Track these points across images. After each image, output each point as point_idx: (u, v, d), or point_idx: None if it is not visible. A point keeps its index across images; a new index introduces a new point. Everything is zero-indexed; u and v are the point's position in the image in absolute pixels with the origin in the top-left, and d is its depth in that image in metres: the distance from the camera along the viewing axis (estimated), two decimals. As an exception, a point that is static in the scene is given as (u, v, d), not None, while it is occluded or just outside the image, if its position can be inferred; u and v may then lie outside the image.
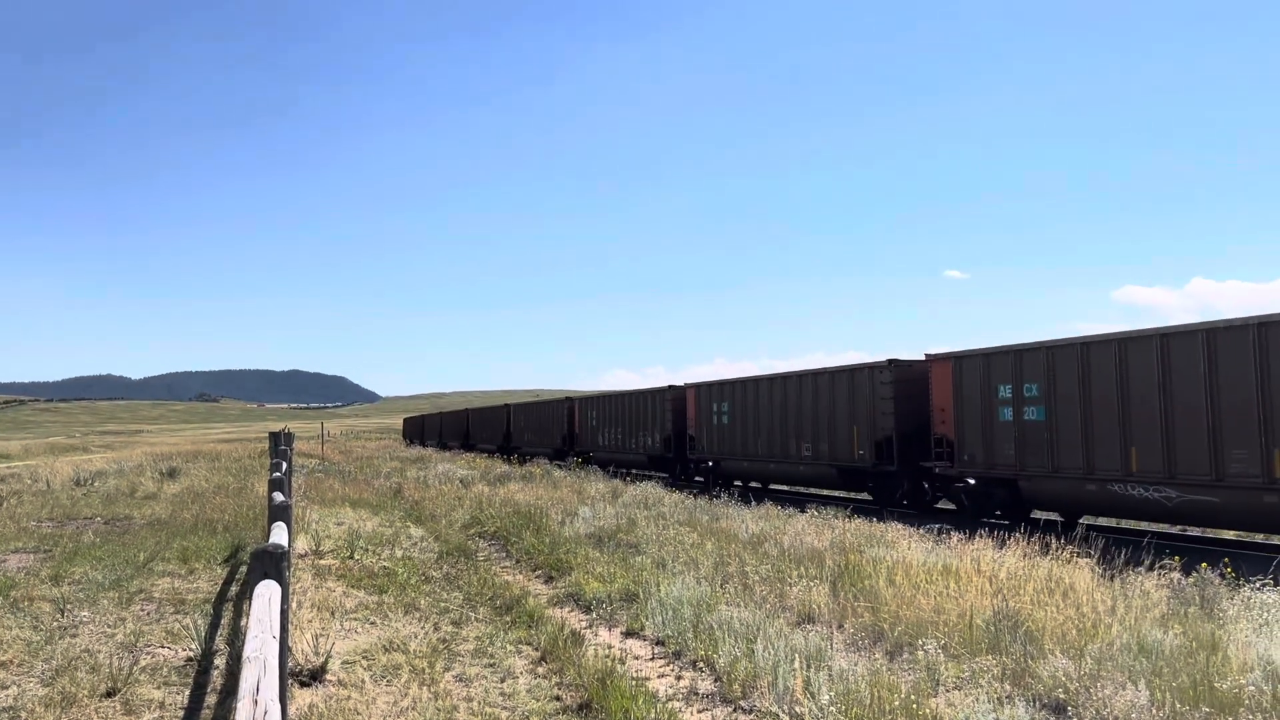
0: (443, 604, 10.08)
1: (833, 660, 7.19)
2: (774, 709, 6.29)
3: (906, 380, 19.82)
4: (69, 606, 9.41)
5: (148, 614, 9.32)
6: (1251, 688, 5.97)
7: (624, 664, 7.60)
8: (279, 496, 8.34)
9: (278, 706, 2.79)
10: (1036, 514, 17.46)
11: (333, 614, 9.23)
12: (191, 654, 7.77)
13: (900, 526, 14.02)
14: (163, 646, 8.08)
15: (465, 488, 23.99)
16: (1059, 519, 16.67)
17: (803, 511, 16.23)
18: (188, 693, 6.85)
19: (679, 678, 7.42)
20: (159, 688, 6.93)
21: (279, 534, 5.95)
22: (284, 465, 12.41)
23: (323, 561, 12.39)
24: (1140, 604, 8.44)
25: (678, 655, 7.98)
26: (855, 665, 7.13)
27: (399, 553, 13.42)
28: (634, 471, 31.77)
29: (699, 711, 6.63)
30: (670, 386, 30.98)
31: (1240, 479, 13.06)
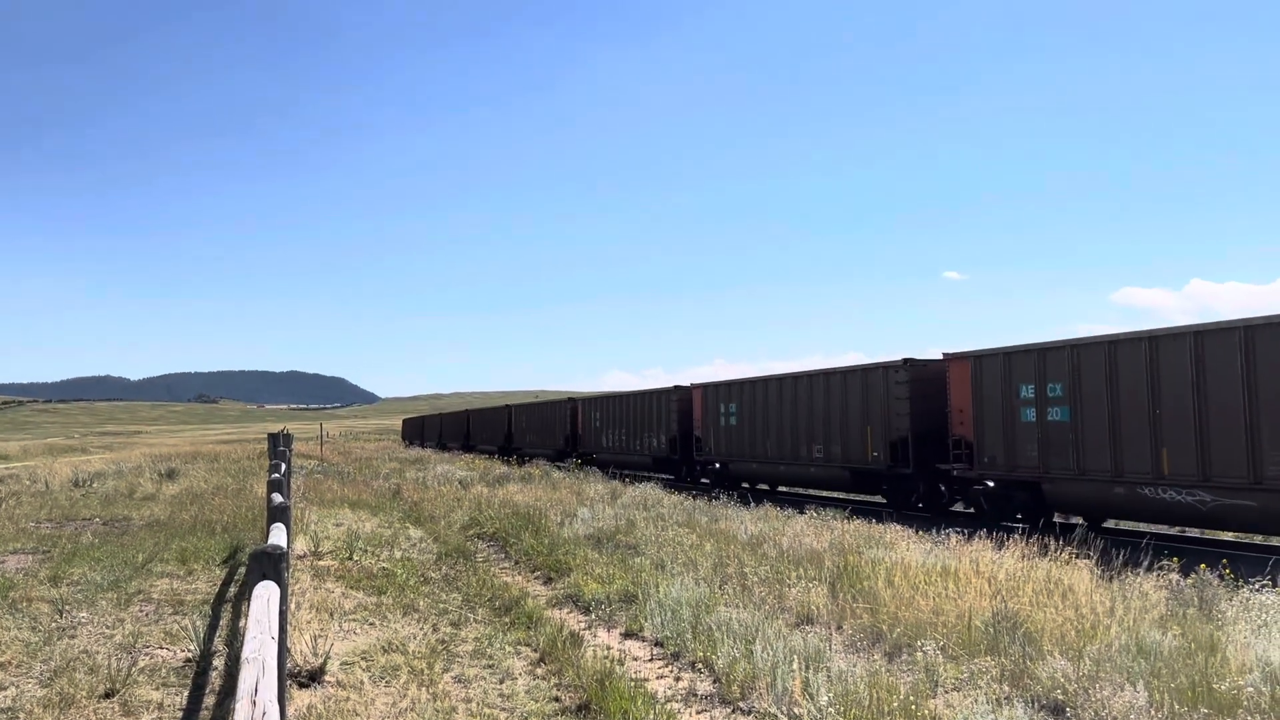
0: (441, 605, 10.08)
1: (831, 661, 7.20)
2: (773, 710, 6.29)
3: (922, 380, 19.38)
4: (67, 607, 9.40)
5: (146, 615, 9.31)
6: (1250, 689, 5.97)
7: (623, 665, 7.60)
8: (278, 497, 8.34)
9: (276, 707, 2.79)
10: (1059, 518, 16.96)
11: (331, 615, 9.23)
12: (190, 655, 7.76)
13: (899, 528, 14.03)
14: (161, 647, 8.07)
15: (464, 489, 23.98)
16: (1082, 522, 16.16)
17: (801, 513, 16.23)
18: (186, 694, 6.85)
19: (678, 679, 7.43)
20: (157, 689, 6.92)
21: (278, 535, 5.94)
22: (283, 466, 12.40)
23: (321, 562, 12.38)
24: (1139, 605, 8.44)
25: (676, 656, 7.98)
26: (854, 666, 7.14)
27: (398, 554, 13.41)
28: (639, 474, 31.18)
29: (698, 712, 6.63)
30: (676, 387, 30.44)
31: None
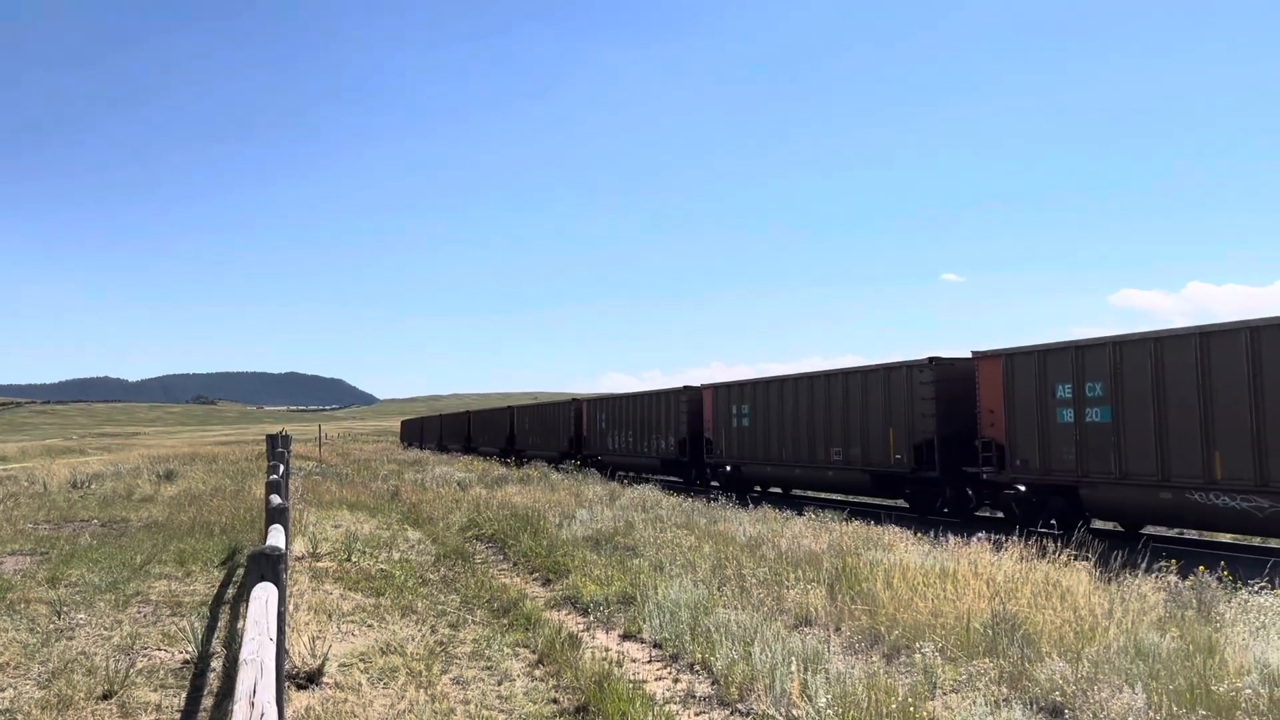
0: (440, 606, 10.08)
1: (830, 663, 7.20)
2: (771, 712, 6.29)
3: (948, 380, 18.71)
4: (65, 609, 9.39)
5: (144, 616, 9.30)
6: (1248, 691, 5.98)
7: (621, 666, 7.60)
8: (276, 499, 8.33)
9: (274, 709, 2.79)
10: (1097, 524, 16.43)
11: (330, 616, 9.22)
12: (188, 656, 7.75)
13: (897, 529, 14.01)
14: (159, 649, 8.06)
15: (463, 490, 23.97)
16: (1119, 529, 15.80)
17: (800, 515, 16.23)
18: (184, 695, 6.84)
19: (676, 680, 7.43)
20: (155, 690, 6.92)
21: (276, 536, 5.94)
22: (281, 468, 12.39)
23: (320, 564, 12.37)
24: (1137, 607, 8.45)
25: (675, 658, 7.98)
26: (852, 668, 7.14)
27: (396, 555, 13.41)
28: (647, 476, 30.34)
29: (696, 714, 6.63)
30: (686, 387, 29.74)
31: None
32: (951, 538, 12.50)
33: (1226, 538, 15.88)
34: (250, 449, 52.56)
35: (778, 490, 26.13)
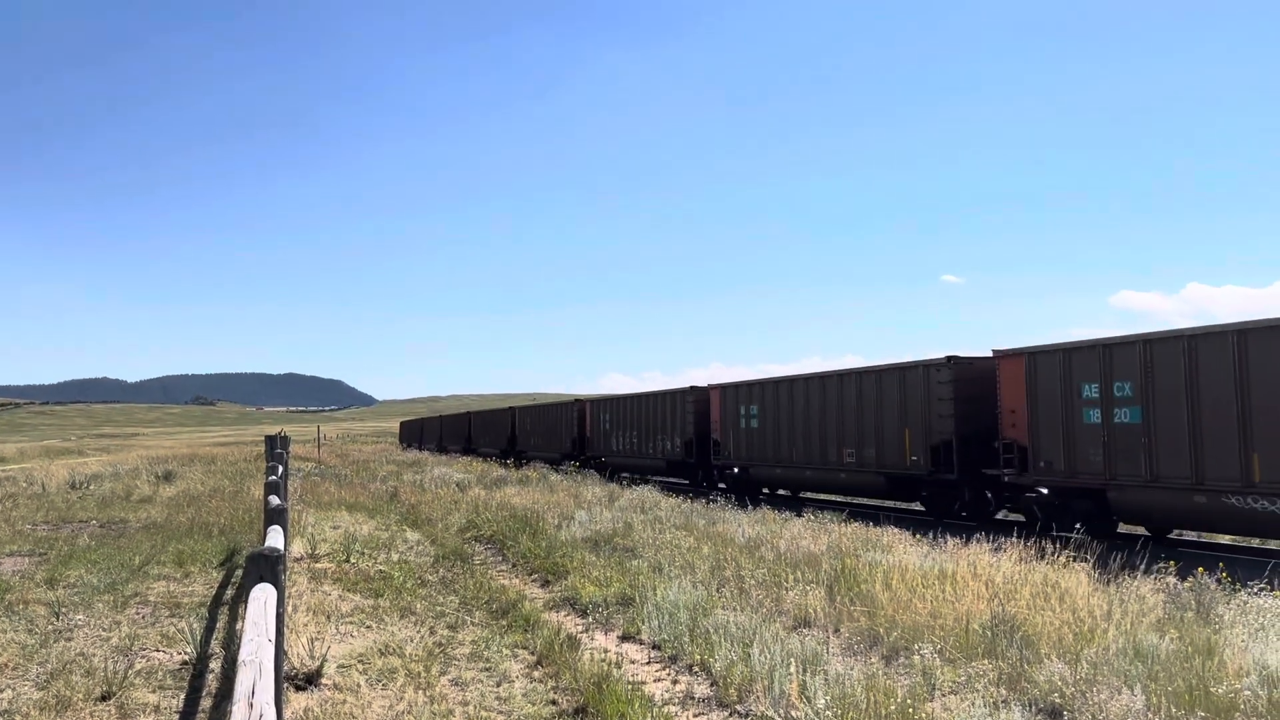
0: (439, 608, 10.07)
1: (829, 664, 7.20)
2: (770, 713, 6.29)
3: (967, 379, 18.26)
4: (64, 610, 9.39)
5: (143, 617, 9.30)
6: (1247, 692, 5.98)
7: (620, 668, 7.60)
8: (275, 500, 8.33)
9: (273, 710, 2.79)
10: (1124, 528, 16.04)
11: (328, 618, 9.21)
12: (187, 657, 7.75)
13: (896, 531, 14.01)
14: (158, 650, 8.06)
15: (461, 491, 23.96)
16: (1146, 534, 15.42)
17: (799, 516, 16.22)
18: (183, 696, 6.84)
19: (675, 682, 7.42)
20: (154, 691, 6.91)
21: (275, 537, 5.94)
22: (280, 469, 12.38)
23: (318, 565, 12.37)
24: (1136, 609, 8.45)
25: (674, 659, 7.98)
26: (851, 669, 7.14)
27: (395, 556, 13.40)
28: (652, 478, 29.93)
29: (695, 715, 6.63)
30: (693, 387, 29.17)
31: None
32: (950, 539, 12.49)
33: (1225, 539, 15.85)
34: (249, 450, 52.56)
35: (786, 493, 25.61)
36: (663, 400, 30.94)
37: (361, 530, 15.93)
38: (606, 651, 8.23)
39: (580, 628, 9.36)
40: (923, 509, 20.11)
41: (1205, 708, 5.84)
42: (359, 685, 7.11)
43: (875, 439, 20.42)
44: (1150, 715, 5.89)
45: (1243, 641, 7.33)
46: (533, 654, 8.11)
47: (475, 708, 6.67)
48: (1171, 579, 9.53)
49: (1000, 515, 18.76)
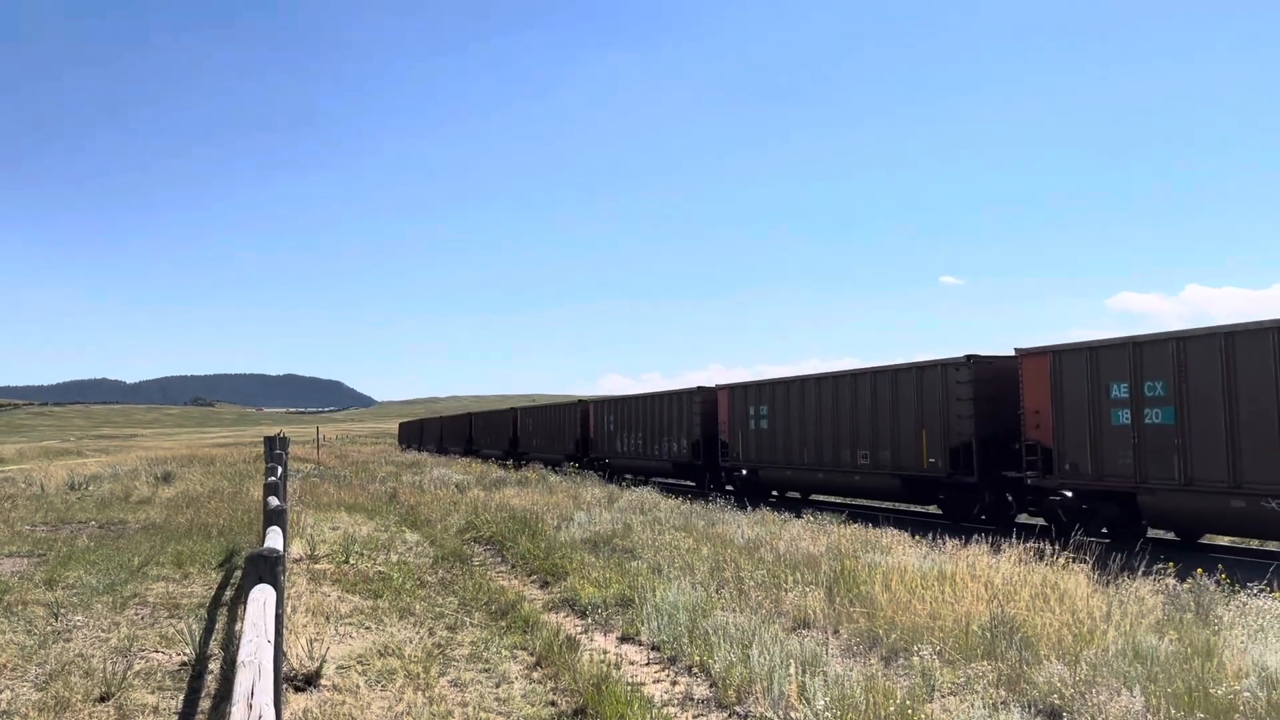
0: (438, 609, 10.07)
1: (828, 666, 7.19)
2: (769, 714, 6.29)
3: (986, 379, 17.81)
4: (63, 611, 9.38)
5: (142, 618, 9.29)
6: (1246, 694, 5.98)
7: (619, 669, 7.60)
8: (274, 501, 8.33)
9: (272, 711, 2.79)
10: (1154, 533, 15.49)
11: (328, 619, 9.21)
12: (186, 658, 7.74)
13: (895, 532, 14.01)
14: (157, 651, 8.05)
15: (461, 493, 23.95)
16: (1175, 538, 15.22)
17: (798, 517, 16.22)
18: (182, 697, 6.83)
19: (674, 683, 7.42)
20: (153, 692, 6.91)
21: (274, 538, 5.93)
22: (279, 470, 12.37)
23: (318, 566, 12.36)
24: (1135, 610, 8.45)
25: (673, 660, 7.97)
26: (850, 671, 7.13)
27: (394, 558, 13.40)
28: (658, 480, 29.65)
29: (694, 717, 6.63)
30: (700, 388, 28.72)
31: None
32: (950, 540, 12.49)
33: (1225, 540, 15.84)
34: (248, 451, 52.54)
35: (797, 495, 25.17)
36: (669, 400, 30.37)
37: (360, 531, 15.93)
38: (606, 653, 8.22)
39: (579, 629, 9.36)
40: (940, 512, 19.71)
41: (1205, 709, 5.84)
42: (358, 686, 7.11)
43: (891, 440, 19.95)
44: (1150, 716, 5.89)
45: (1242, 643, 7.33)
46: (532, 655, 8.11)
47: (474, 709, 6.67)
48: (1171, 580, 9.53)
49: (1021, 519, 18.30)
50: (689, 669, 7.69)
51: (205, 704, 6.67)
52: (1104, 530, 15.43)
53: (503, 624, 9.35)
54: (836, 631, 8.61)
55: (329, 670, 7.36)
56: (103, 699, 6.63)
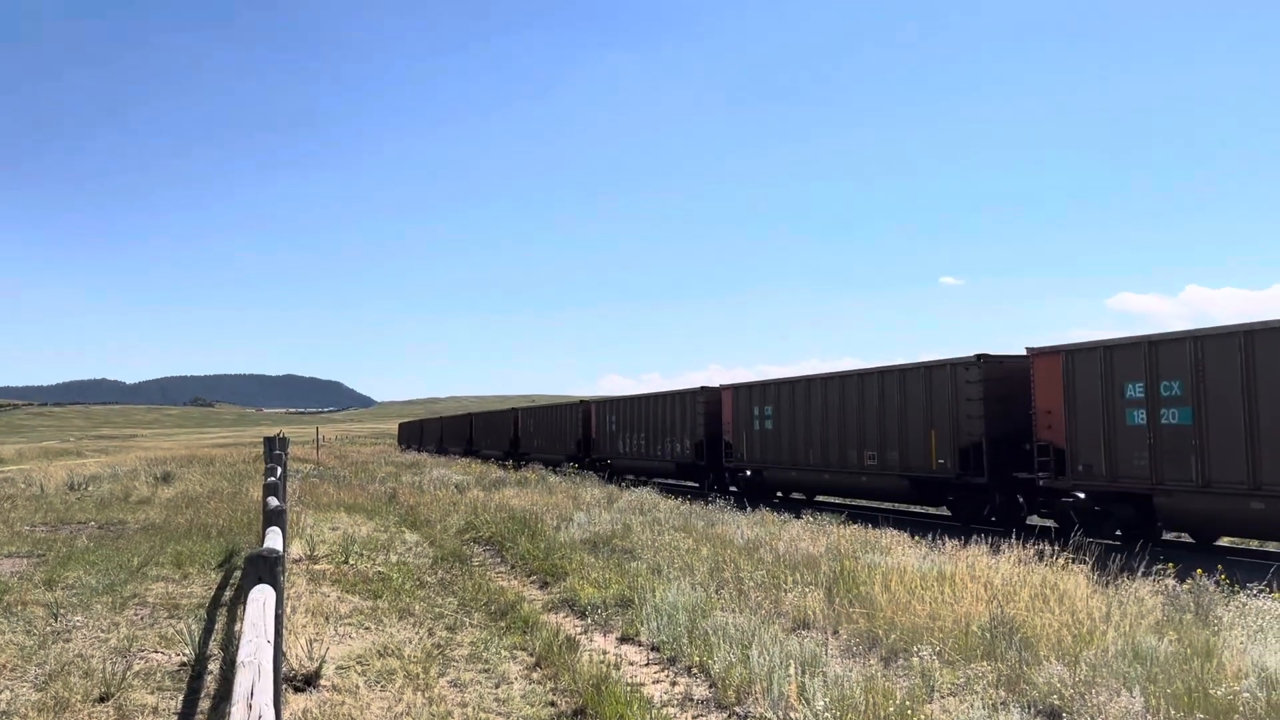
0: (437, 609, 10.07)
1: (828, 666, 7.20)
2: (769, 715, 6.29)
3: (997, 379, 17.55)
4: (62, 611, 9.38)
5: (141, 619, 9.29)
6: (1246, 694, 5.98)
7: (619, 670, 7.59)
8: (274, 501, 8.33)
9: (271, 711, 2.79)
10: (1169, 535, 15.46)
11: (327, 619, 9.21)
12: (185, 659, 7.74)
13: (894, 533, 14.01)
14: (156, 651, 8.05)
15: (460, 493, 23.95)
16: (1191, 540, 15.10)
17: (798, 518, 16.22)
18: (181, 697, 6.83)
19: (674, 684, 7.42)
20: (152, 693, 6.91)
21: (274, 539, 5.93)
22: (279, 470, 12.37)
23: (317, 566, 12.36)
24: (1135, 610, 8.45)
25: (673, 661, 7.97)
26: (850, 671, 7.13)
27: (393, 558, 13.40)
28: (661, 481, 29.38)
29: (694, 717, 6.63)
30: (703, 388, 28.41)
31: None
32: (949, 541, 12.50)
33: (1224, 541, 15.85)
34: (248, 451, 52.54)
35: (801, 496, 24.94)
36: (672, 401, 30.13)
37: (360, 532, 15.93)
38: (605, 653, 8.22)
39: (579, 629, 9.35)
40: (949, 514, 19.51)
41: (1204, 709, 5.84)
42: (357, 686, 7.11)
43: (899, 441, 19.71)
44: (1149, 717, 5.89)
45: (1241, 643, 7.33)
46: (531, 655, 8.11)
47: (474, 709, 6.67)
48: (1170, 581, 9.53)
49: (1031, 521, 18.03)
50: (688, 669, 7.69)
51: (205, 704, 6.67)
52: (1118, 533, 15.23)
53: (502, 624, 9.35)
54: (836, 632, 8.61)
55: (328, 670, 7.36)
56: (102, 699, 6.63)
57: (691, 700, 6.96)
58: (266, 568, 4.33)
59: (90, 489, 25.26)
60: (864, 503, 22.42)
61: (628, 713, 6.27)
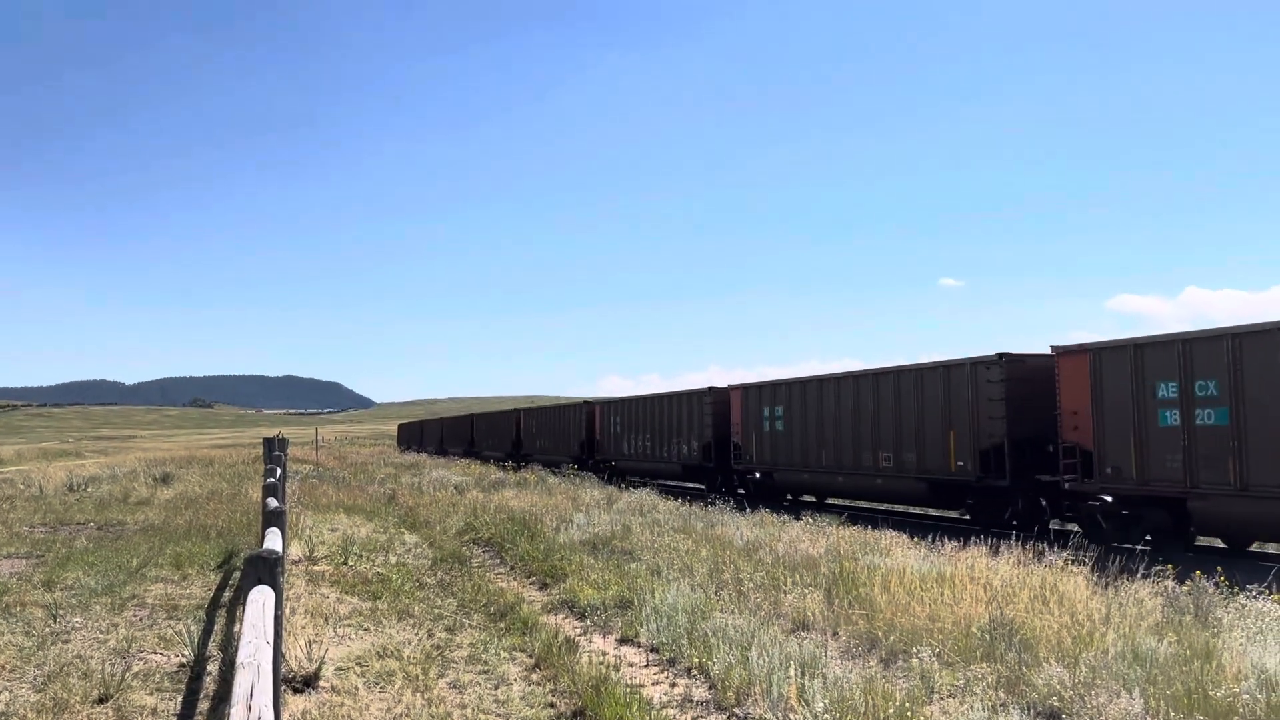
0: (437, 610, 10.06)
1: (827, 667, 7.19)
2: (769, 716, 6.29)
3: (1019, 378, 17.06)
4: (61, 612, 9.37)
5: (140, 620, 9.28)
6: (1245, 696, 5.98)
7: (618, 671, 7.59)
8: (273, 502, 8.33)
9: (271, 712, 2.78)
10: (1202, 541, 15.01)
11: (326, 620, 9.21)
12: (184, 660, 7.74)
13: (894, 534, 14.01)
14: (155, 652, 8.05)
15: (459, 494, 23.95)
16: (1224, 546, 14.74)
17: (797, 519, 16.22)
18: (180, 698, 6.83)
19: (673, 685, 7.42)
20: (152, 693, 6.90)
21: (273, 540, 5.93)
22: (278, 471, 12.36)
23: (317, 567, 12.35)
24: (1134, 612, 8.45)
25: (672, 662, 7.97)
26: (850, 673, 7.13)
27: (393, 559, 13.39)
28: (667, 483, 29.03)
29: (694, 718, 6.63)
30: (711, 388, 27.93)
31: None
32: (949, 542, 12.50)
33: (1223, 543, 15.82)
34: (247, 452, 52.53)
35: (812, 499, 24.25)
36: (679, 401, 29.63)
37: (359, 533, 15.92)
38: (605, 654, 8.22)
39: (578, 630, 9.35)
40: (968, 518, 18.96)
41: (1204, 711, 5.84)
42: (357, 688, 7.10)
43: (916, 442, 19.15)
44: (1148, 718, 5.89)
45: (1241, 645, 7.34)
46: (531, 657, 8.10)
47: (473, 710, 6.66)
48: (1170, 582, 9.53)
49: (1054, 525, 17.40)
50: (688, 671, 7.69)
51: (204, 705, 6.66)
52: (1147, 538, 14.77)
53: (501, 626, 9.35)
54: (835, 633, 8.61)
55: (328, 672, 7.36)
56: (101, 700, 6.63)
57: (691, 701, 6.96)
58: (266, 569, 4.33)
59: (89, 490, 25.24)
60: (859, 504, 22.17)
61: (627, 714, 6.27)
